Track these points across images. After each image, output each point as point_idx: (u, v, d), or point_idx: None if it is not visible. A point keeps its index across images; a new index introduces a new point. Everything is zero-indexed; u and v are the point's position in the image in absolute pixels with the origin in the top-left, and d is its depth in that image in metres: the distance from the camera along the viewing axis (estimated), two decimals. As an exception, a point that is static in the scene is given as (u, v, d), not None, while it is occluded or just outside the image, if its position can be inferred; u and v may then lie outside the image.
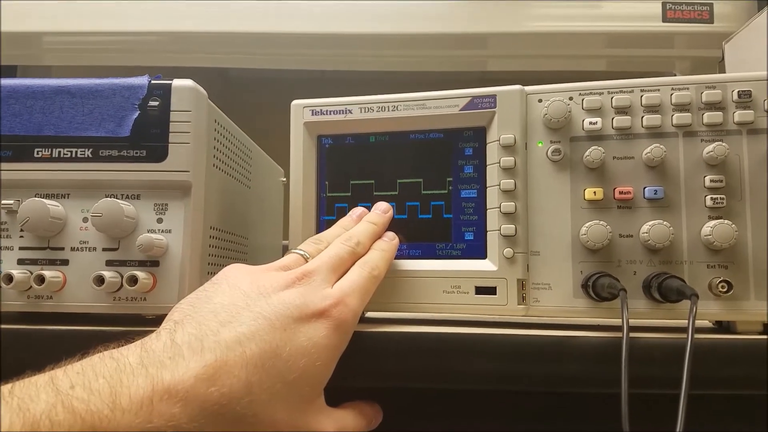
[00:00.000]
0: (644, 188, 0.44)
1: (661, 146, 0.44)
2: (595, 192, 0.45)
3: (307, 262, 0.41)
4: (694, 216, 0.44)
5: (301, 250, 0.43)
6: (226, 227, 0.53)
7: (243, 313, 0.35)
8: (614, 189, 0.45)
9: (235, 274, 0.39)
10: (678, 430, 0.33)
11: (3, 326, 0.40)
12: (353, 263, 0.43)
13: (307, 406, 0.35)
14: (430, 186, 0.49)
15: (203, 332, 0.33)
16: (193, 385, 0.30)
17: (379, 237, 0.47)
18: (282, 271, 0.39)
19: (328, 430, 0.36)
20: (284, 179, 0.79)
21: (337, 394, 0.39)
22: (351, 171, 0.51)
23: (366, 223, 0.47)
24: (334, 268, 0.41)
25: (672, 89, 0.45)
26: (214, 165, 0.49)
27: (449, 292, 0.47)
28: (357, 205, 0.50)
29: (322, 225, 0.51)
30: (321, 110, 0.50)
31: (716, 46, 0.85)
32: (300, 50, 0.96)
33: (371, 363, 0.41)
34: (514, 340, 0.41)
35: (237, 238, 0.57)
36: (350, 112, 0.50)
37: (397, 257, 0.49)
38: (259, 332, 0.34)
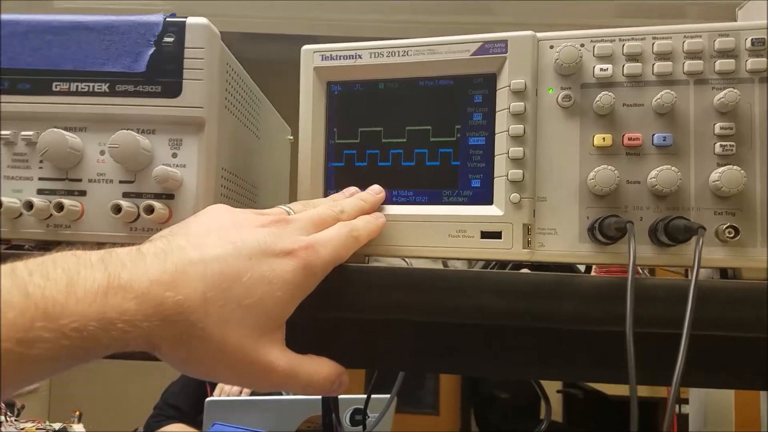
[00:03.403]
0: (653, 135, 0.45)
1: (672, 92, 0.44)
2: (603, 138, 0.45)
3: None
4: (703, 163, 0.44)
5: (287, 206, 0.44)
6: (237, 172, 0.54)
7: (213, 238, 0.36)
8: (623, 135, 0.45)
9: (217, 209, 0.41)
10: (679, 361, 0.34)
11: (21, 253, 0.41)
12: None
13: (260, 335, 0.36)
14: (438, 133, 0.50)
15: (171, 248, 0.35)
16: (149, 287, 0.32)
17: (366, 213, 0.47)
18: (262, 215, 0.41)
19: (278, 363, 0.36)
20: (291, 137, 0.80)
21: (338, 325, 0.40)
22: (360, 118, 0.51)
23: (356, 198, 0.48)
24: (314, 223, 0.41)
25: (684, 37, 0.45)
26: (225, 107, 0.50)
27: (454, 236, 0.47)
28: (365, 152, 0.51)
29: (331, 172, 0.52)
30: (331, 55, 0.51)
31: (728, 17, 0.84)
32: (300, 14, 0.96)
33: (374, 296, 0.42)
34: (517, 277, 0.41)
35: (247, 185, 0.58)
36: (360, 57, 0.50)
37: (404, 203, 0.49)
38: (224, 256, 0.35)
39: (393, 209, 0.49)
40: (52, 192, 0.45)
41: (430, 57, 0.49)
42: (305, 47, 0.52)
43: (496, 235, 0.46)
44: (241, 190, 0.56)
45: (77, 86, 0.45)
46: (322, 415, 0.85)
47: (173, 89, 0.45)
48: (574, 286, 0.41)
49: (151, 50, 0.44)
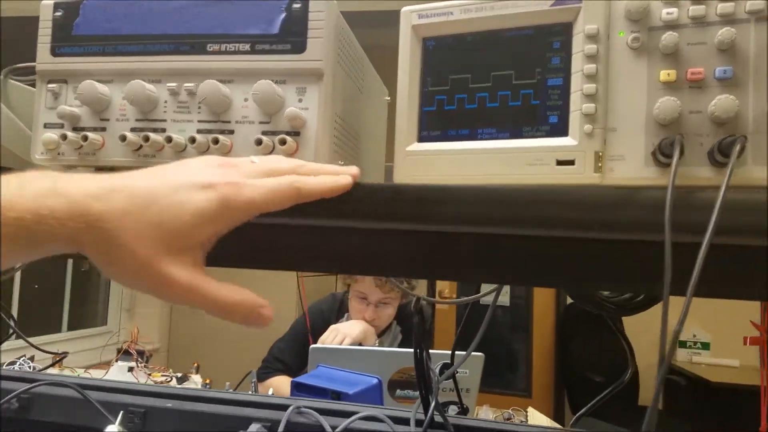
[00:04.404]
0: (715, 69, 0.50)
1: (732, 29, 0.49)
2: (668, 74, 0.51)
3: None
4: (761, 91, 0.49)
5: (257, 157, 0.49)
6: (345, 118, 0.64)
7: (167, 172, 0.43)
8: (686, 71, 0.51)
9: (204, 157, 0.48)
10: (696, 268, 0.40)
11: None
12: None
13: (167, 252, 0.41)
14: (520, 77, 0.57)
15: (127, 175, 0.42)
16: (83, 198, 0.39)
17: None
18: (221, 160, 0.46)
19: (178, 278, 0.41)
20: (388, 98, 0.89)
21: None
22: (450, 67, 0.60)
23: (326, 165, 0.51)
24: (265, 171, 0.46)
25: (747, -21, 0.50)
26: (338, 62, 0.60)
27: (532, 165, 0.55)
28: (454, 97, 0.59)
29: (424, 115, 0.61)
30: (426, 14, 0.60)
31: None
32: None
33: (452, 209, 0.50)
34: (583, 191, 0.49)
35: (352, 131, 0.68)
36: (451, 13, 0.59)
37: (486, 139, 0.57)
38: (156, 184, 0.42)
39: (477, 144, 0.58)
40: (208, 131, 0.57)
41: (512, 10, 0.56)
42: (405, 9, 0.61)
43: (570, 162, 0.54)
44: (348, 134, 0.66)
45: (226, 46, 0.57)
46: (414, 354, 0.95)
47: (300, 46, 0.55)
48: (636, 198, 0.47)
49: (283, 15, 0.55)
